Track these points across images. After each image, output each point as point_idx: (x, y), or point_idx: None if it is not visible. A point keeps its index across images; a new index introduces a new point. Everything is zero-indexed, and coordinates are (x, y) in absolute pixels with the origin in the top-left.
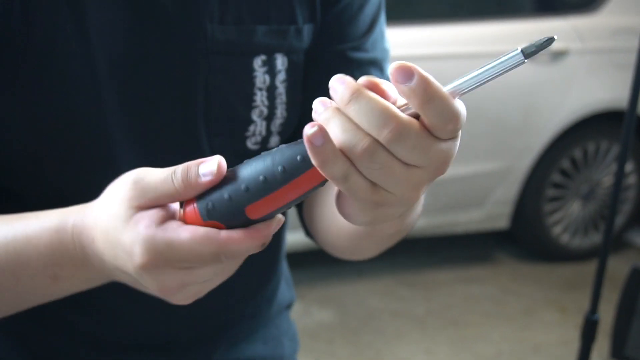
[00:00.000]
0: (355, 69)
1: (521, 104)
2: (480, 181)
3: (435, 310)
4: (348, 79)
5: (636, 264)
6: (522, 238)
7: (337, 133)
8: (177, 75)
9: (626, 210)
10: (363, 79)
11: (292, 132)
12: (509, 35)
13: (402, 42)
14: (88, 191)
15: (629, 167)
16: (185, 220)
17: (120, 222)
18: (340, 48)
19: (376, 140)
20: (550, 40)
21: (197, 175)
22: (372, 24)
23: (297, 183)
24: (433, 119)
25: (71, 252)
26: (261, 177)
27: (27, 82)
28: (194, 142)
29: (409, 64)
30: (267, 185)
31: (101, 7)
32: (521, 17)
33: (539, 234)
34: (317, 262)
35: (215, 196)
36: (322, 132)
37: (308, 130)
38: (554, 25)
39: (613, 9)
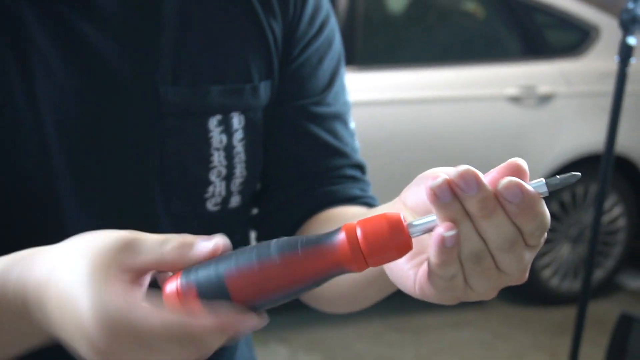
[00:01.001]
0: (318, 124)
1: (509, 147)
2: None
3: (425, 356)
4: (482, 182)
5: (625, 310)
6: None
7: (463, 239)
8: (130, 139)
9: (617, 253)
10: (504, 182)
11: (253, 191)
12: (497, 78)
13: (391, 85)
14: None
15: (617, 210)
16: (163, 293)
17: (88, 280)
18: (301, 103)
19: (488, 246)
20: (575, 177)
21: (192, 248)
22: (333, 77)
23: (291, 273)
24: (532, 228)
25: (11, 305)
26: (255, 262)
27: None
28: (150, 207)
29: (517, 181)
30: (257, 263)
31: (50, 71)
32: (509, 61)
33: (528, 277)
34: (302, 305)
35: (201, 274)
36: (457, 238)
37: (445, 232)
38: (541, 69)
39: (599, 54)
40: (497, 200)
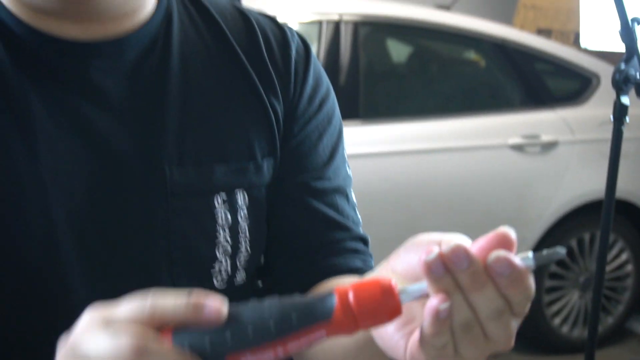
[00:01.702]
0: (319, 199)
1: (514, 195)
2: None
3: None
4: (473, 257)
5: (635, 358)
6: (523, 329)
7: (454, 310)
8: (137, 219)
9: (626, 298)
10: (493, 256)
11: (257, 266)
12: (501, 127)
13: (395, 137)
14: (41, 335)
15: (625, 255)
16: None
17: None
18: (302, 179)
19: (477, 316)
20: (561, 253)
21: (203, 305)
22: (333, 152)
23: (285, 341)
24: (520, 299)
25: None
26: (249, 327)
27: None
28: (157, 285)
29: (506, 256)
30: (253, 339)
31: (57, 155)
32: (512, 110)
33: (539, 325)
34: None
35: (194, 336)
36: (450, 311)
37: (440, 304)
38: (544, 117)
39: (600, 101)
40: (487, 273)
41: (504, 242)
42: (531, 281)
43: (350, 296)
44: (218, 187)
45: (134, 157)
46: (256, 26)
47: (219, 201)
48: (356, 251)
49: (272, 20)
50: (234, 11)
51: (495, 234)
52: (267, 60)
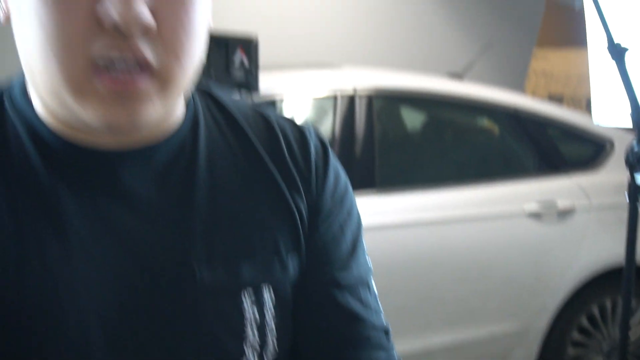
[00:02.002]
0: (343, 291)
1: (532, 262)
2: (498, 343)
3: None
4: None
5: None
6: None
7: None
8: (167, 319)
9: None
10: None
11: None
12: (516, 194)
13: (411, 207)
14: None
15: None
16: None
17: None
18: (326, 272)
19: None
20: None
21: None
22: (355, 244)
23: None
24: None
25: None
26: None
27: (17, 339)
28: None
29: None
30: None
31: (91, 257)
32: (526, 177)
33: None
34: None
35: None
36: None
37: None
38: (558, 184)
39: (614, 166)
40: None
41: None
42: None
43: None
44: (245, 283)
45: (164, 258)
46: (277, 128)
47: (246, 297)
48: (380, 345)
49: (291, 122)
50: (256, 114)
51: None
52: (289, 161)
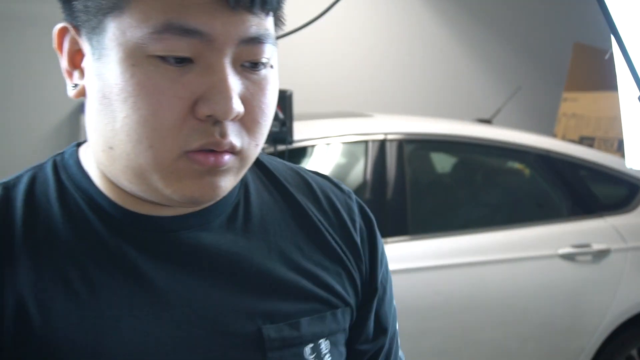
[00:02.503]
0: (389, 348)
1: (568, 305)
2: None
3: None
4: None
5: None
6: None
7: None
8: None
9: None
10: None
11: None
12: (549, 237)
13: (444, 252)
14: None
15: None
16: None
17: None
18: (370, 331)
19: None
20: None
21: None
22: (391, 300)
23: None
24: None
25: None
26: None
27: None
28: None
29: None
30: None
31: (173, 321)
32: (560, 220)
33: None
34: None
35: None
36: None
37: None
38: (592, 226)
39: None
40: None
41: None
42: None
43: None
44: (306, 338)
45: (233, 319)
46: (313, 183)
47: (307, 351)
48: None
49: (328, 178)
50: (292, 172)
51: None
52: (337, 220)
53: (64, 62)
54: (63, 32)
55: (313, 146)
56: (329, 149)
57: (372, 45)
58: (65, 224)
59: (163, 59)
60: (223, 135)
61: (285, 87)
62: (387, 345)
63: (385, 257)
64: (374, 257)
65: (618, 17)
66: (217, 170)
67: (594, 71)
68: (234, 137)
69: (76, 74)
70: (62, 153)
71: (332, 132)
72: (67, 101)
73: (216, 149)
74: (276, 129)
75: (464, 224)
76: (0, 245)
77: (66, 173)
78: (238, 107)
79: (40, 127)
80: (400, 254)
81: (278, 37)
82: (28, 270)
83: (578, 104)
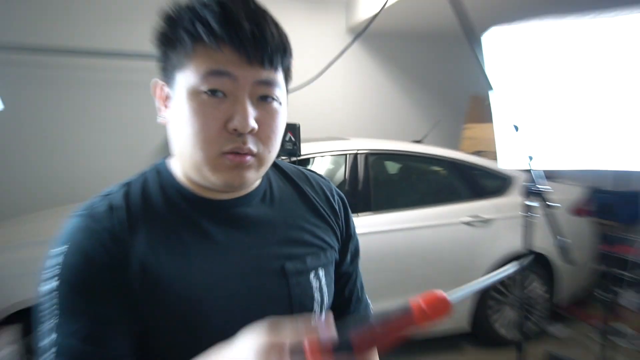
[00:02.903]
0: (355, 278)
1: (467, 252)
2: None
3: None
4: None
5: (547, 349)
6: (478, 333)
7: None
8: (273, 292)
9: (544, 311)
10: None
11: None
12: (455, 212)
13: (393, 221)
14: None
15: (542, 287)
16: (307, 352)
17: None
18: (346, 267)
19: None
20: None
21: (315, 330)
22: (355, 257)
23: (387, 333)
24: None
25: None
26: (366, 330)
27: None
28: None
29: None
30: (369, 335)
31: (229, 264)
32: (461, 201)
33: (488, 329)
34: None
35: (334, 338)
36: None
37: None
38: (481, 204)
39: (515, 192)
40: None
41: None
42: None
43: (421, 301)
44: (310, 269)
45: (266, 258)
46: (312, 178)
47: (311, 276)
48: (366, 305)
49: (320, 175)
50: (297, 170)
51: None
52: (322, 196)
53: (157, 103)
54: (156, 85)
55: (313, 158)
56: (323, 159)
57: (347, 94)
58: (165, 207)
59: (208, 94)
60: (244, 142)
61: (295, 121)
62: (356, 273)
63: (354, 223)
64: (347, 218)
65: (491, 77)
66: (242, 166)
67: (482, 111)
68: (252, 144)
69: (163, 109)
70: (159, 163)
71: (325, 149)
72: (160, 132)
73: (240, 152)
74: (290, 147)
75: (405, 204)
76: (127, 222)
77: (162, 175)
78: (252, 123)
79: (144, 148)
80: (367, 223)
81: (292, 91)
82: (144, 237)
83: (473, 131)
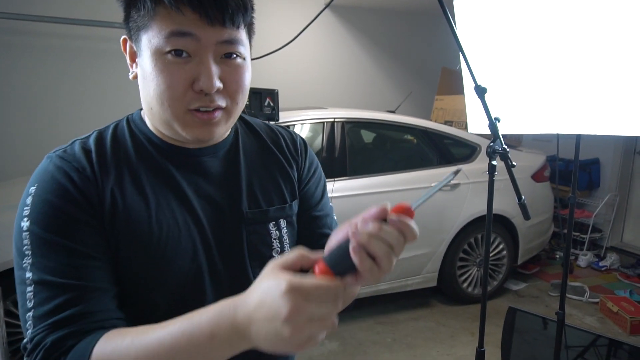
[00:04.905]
0: (318, 221)
1: (437, 215)
2: (418, 259)
3: (398, 339)
4: (371, 221)
5: (511, 305)
6: (446, 290)
7: (370, 248)
8: (232, 240)
9: (504, 270)
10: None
11: None
12: (425, 177)
13: (367, 185)
14: (180, 310)
15: (501, 246)
16: (316, 272)
17: (269, 282)
18: (309, 211)
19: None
20: (458, 171)
21: (309, 256)
22: (322, 194)
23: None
24: (410, 235)
25: (227, 314)
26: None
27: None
28: (244, 271)
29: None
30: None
31: (193, 208)
32: (432, 167)
33: (454, 287)
34: None
35: (331, 262)
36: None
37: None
38: (450, 170)
39: (482, 159)
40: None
41: (397, 210)
42: (413, 226)
43: (391, 208)
44: (270, 219)
45: (228, 206)
46: (278, 132)
47: (271, 226)
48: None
49: (285, 128)
50: (265, 125)
51: (382, 208)
52: (286, 150)
53: (127, 59)
54: (125, 41)
55: (293, 125)
56: (302, 127)
57: (325, 62)
58: (134, 153)
59: (172, 54)
60: (212, 101)
61: (274, 87)
62: (317, 213)
63: (321, 174)
64: (306, 158)
65: (463, 43)
66: (211, 122)
67: (452, 83)
68: (220, 100)
69: (133, 66)
70: (132, 114)
71: (304, 117)
72: (138, 103)
73: (208, 109)
74: (268, 112)
75: (379, 170)
76: (99, 164)
77: (134, 123)
78: (217, 83)
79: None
80: (343, 187)
81: (266, 55)
82: (114, 178)
83: (444, 102)
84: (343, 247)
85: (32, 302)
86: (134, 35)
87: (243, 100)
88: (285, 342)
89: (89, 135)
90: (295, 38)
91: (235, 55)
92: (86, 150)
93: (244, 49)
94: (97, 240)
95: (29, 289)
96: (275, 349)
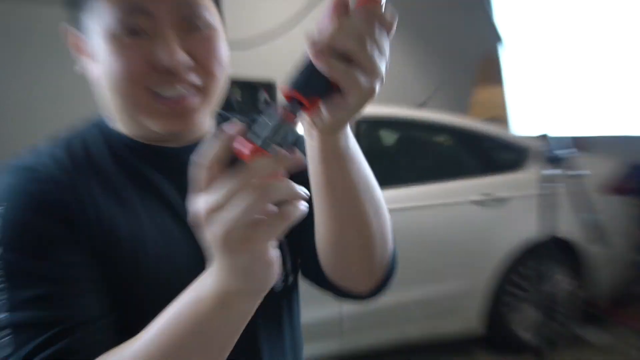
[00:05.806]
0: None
1: (476, 238)
2: (452, 296)
3: None
4: (328, 20)
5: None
6: (493, 337)
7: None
8: (194, 246)
9: (572, 313)
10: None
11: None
12: (463, 188)
13: (390, 199)
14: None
15: (568, 283)
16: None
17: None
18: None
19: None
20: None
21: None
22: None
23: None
24: (386, 18)
25: (200, 279)
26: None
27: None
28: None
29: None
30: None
31: (173, 215)
32: (470, 177)
33: (504, 332)
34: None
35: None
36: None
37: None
38: (494, 180)
39: (532, 167)
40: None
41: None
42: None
43: None
44: None
45: (186, 210)
46: None
47: None
48: None
49: None
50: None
51: (337, 2)
52: None
53: (72, 51)
54: (66, 31)
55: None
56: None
57: None
58: (110, 160)
59: (126, 35)
60: (180, 80)
61: (272, 77)
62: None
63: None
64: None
65: (505, 34)
66: (186, 109)
67: (495, 73)
68: (194, 78)
69: (80, 58)
70: (96, 121)
71: None
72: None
73: (181, 93)
74: (263, 109)
75: (403, 180)
76: (74, 171)
77: (103, 131)
78: (181, 56)
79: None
80: None
81: (269, 37)
82: (93, 188)
83: (484, 95)
84: (305, 62)
85: (12, 347)
86: (78, 20)
87: (222, 72)
88: (232, 261)
89: (50, 145)
90: (300, 19)
91: (201, 26)
92: (58, 159)
93: (210, 15)
94: (82, 260)
95: (6, 332)
96: (241, 276)
